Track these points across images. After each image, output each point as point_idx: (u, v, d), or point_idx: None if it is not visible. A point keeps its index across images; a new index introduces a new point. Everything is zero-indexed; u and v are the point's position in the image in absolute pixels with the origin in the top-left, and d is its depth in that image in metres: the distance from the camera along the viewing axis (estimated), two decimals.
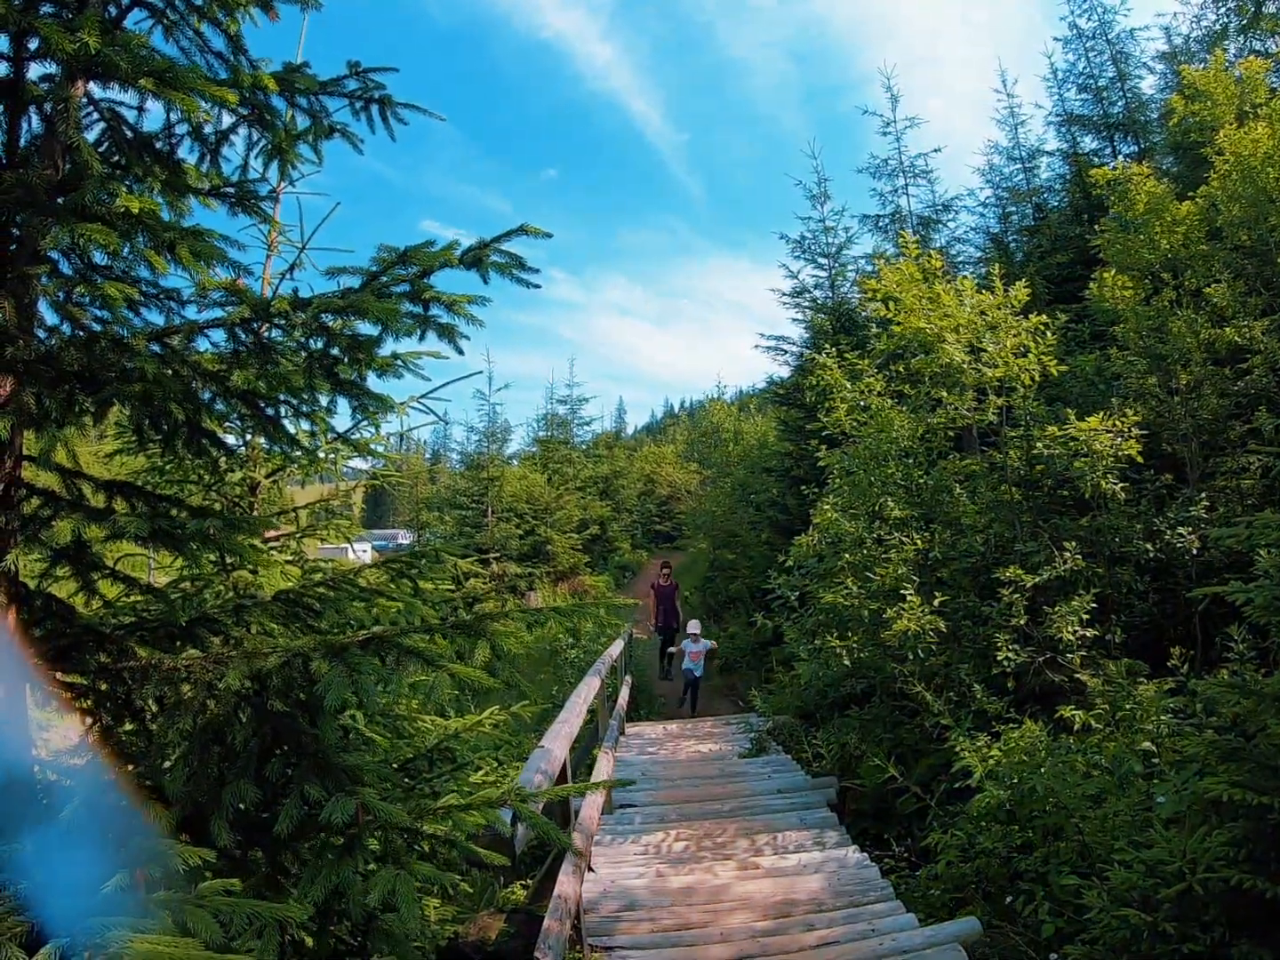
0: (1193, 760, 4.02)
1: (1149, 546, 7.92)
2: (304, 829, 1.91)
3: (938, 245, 19.46)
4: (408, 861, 1.83)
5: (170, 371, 2.06)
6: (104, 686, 2.05)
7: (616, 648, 12.46)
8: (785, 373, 21.98)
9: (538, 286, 2.46)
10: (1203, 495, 8.47)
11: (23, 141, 2.05)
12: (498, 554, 25.74)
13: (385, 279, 2.16)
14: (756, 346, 21.17)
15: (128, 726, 2.18)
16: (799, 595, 10.63)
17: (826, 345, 12.12)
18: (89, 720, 2.14)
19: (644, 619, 19.11)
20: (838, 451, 10.21)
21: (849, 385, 10.21)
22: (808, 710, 10.52)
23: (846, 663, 8.42)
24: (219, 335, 2.29)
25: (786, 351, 21.06)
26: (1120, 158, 18.67)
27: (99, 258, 2.10)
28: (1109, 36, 19.27)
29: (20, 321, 1.99)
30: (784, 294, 20.37)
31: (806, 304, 20.21)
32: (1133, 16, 39.88)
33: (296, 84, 2.46)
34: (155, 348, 2.13)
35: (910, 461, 9.39)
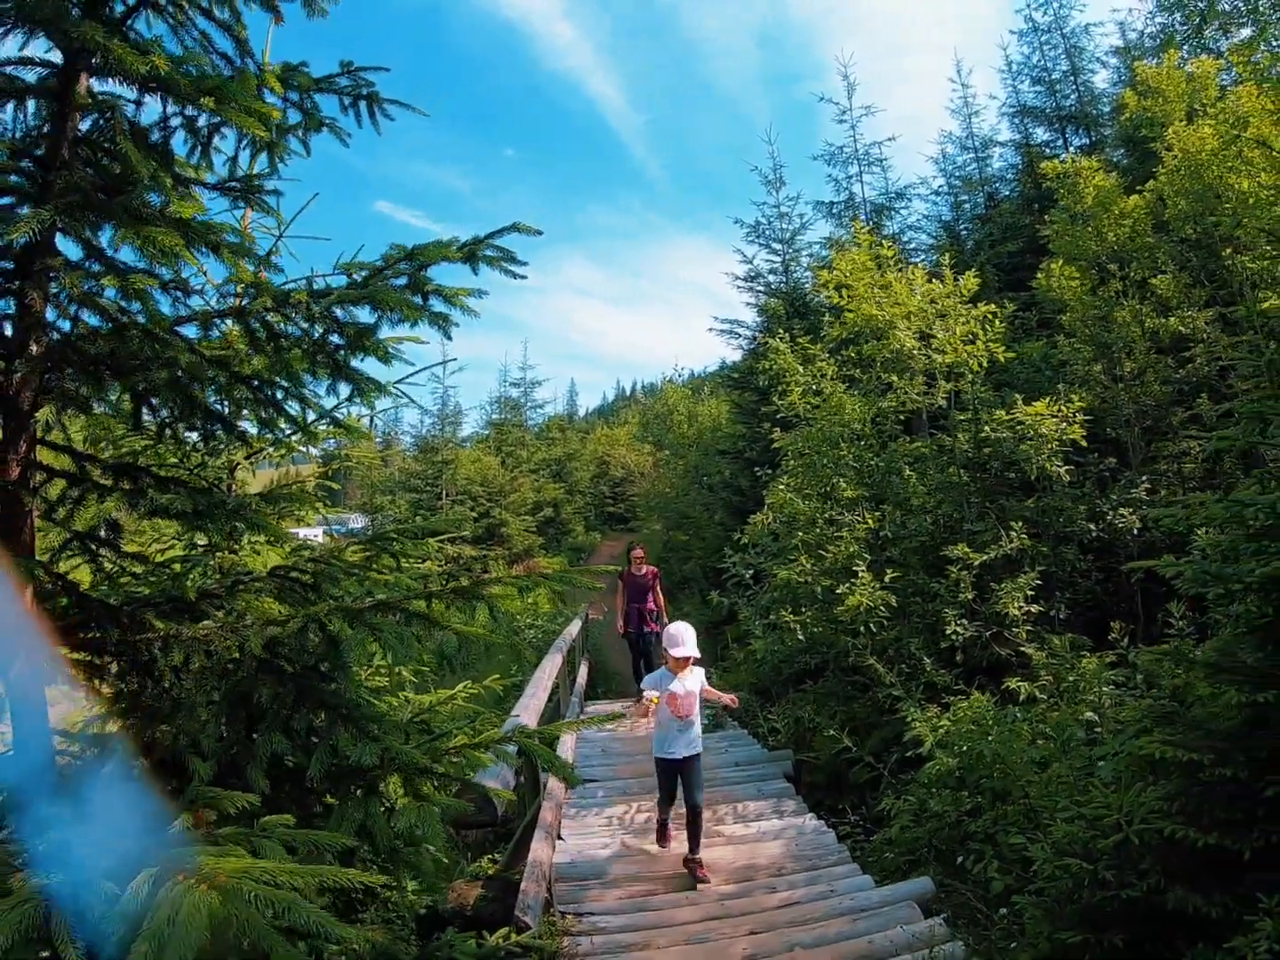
0: (1131, 725, 4.30)
1: (1092, 526, 8.27)
2: (331, 775, 2.06)
3: (890, 232, 19.81)
4: (428, 795, 2.01)
5: (198, 359, 2.18)
6: (125, 657, 2.16)
7: (574, 627, 12.63)
8: (739, 356, 22.29)
9: (524, 278, 2.59)
10: (1144, 478, 8.84)
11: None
12: (452, 536, 25.71)
13: (389, 272, 2.29)
14: (711, 329, 21.49)
15: (142, 692, 2.32)
16: (753, 573, 10.91)
17: (780, 330, 12.35)
18: (111, 689, 2.26)
19: (593, 605, 18.08)
20: (792, 434, 10.45)
21: (802, 369, 10.45)
22: (763, 687, 10.74)
23: (800, 637, 8.70)
24: (223, 323, 2.41)
25: (740, 335, 21.37)
26: (1071, 150, 19.12)
27: (127, 256, 2.19)
28: (1064, 31, 19.74)
29: (41, 312, 2.09)
30: (738, 278, 20.66)
31: (760, 288, 20.52)
32: (1088, 12, 40.42)
33: (293, 82, 2.57)
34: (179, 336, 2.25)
35: (862, 444, 9.68)
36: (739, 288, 20.76)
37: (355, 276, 2.32)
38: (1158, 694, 4.52)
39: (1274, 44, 8.00)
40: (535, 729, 2.23)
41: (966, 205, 21.36)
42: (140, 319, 2.21)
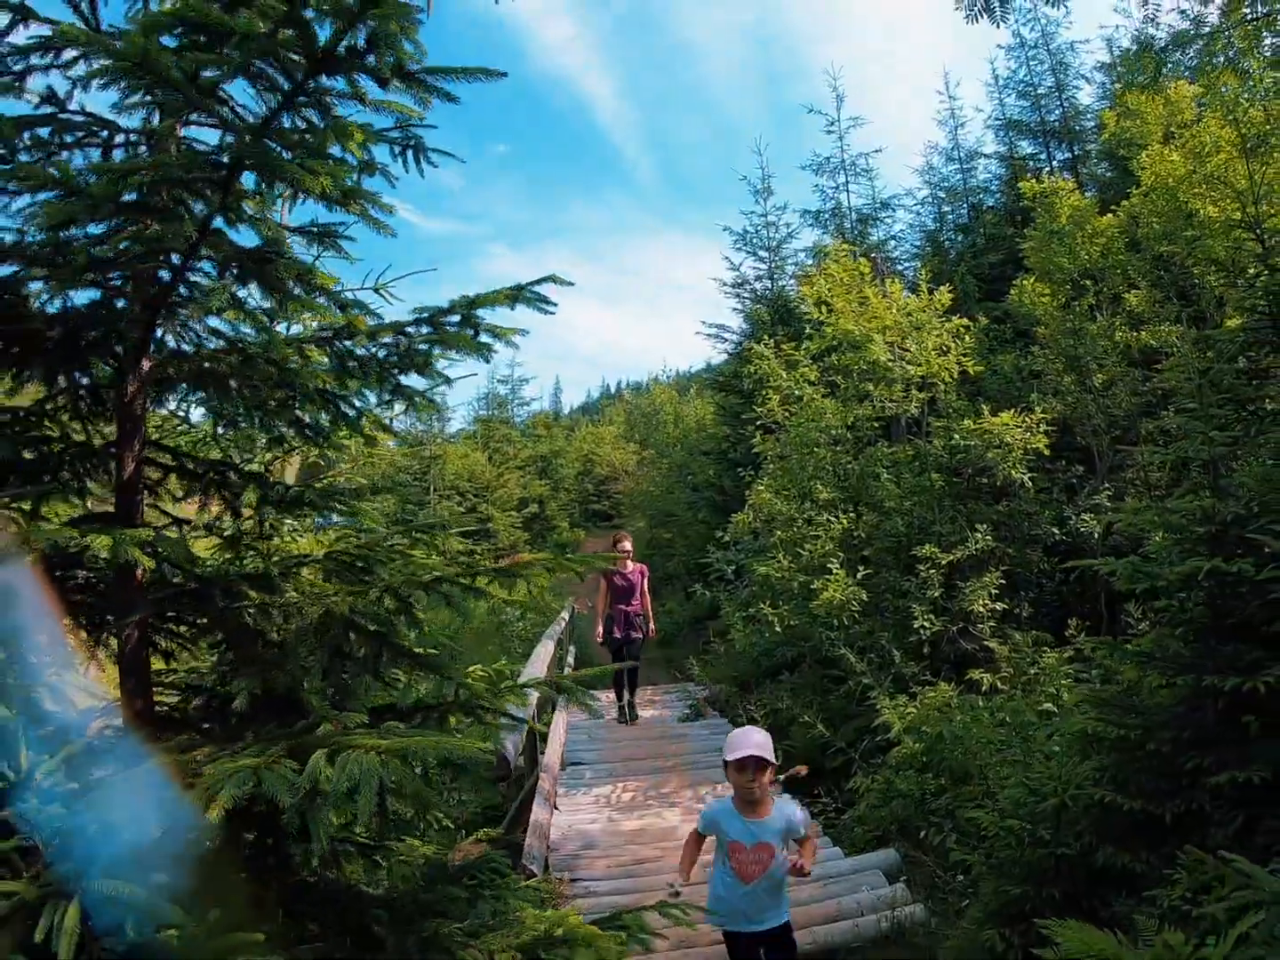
0: (1076, 708, 4.76)
1: (1055, 530, 8.75)
2: (408, 711, 2.51)
3: (875, 240, 20.29)
4: (490, 721, 2.51)
5: (303, 377, 2.60)
6: (228, 621, 2.59)
7: (565, 615, 13.07)
8: (725, 359, 22.71)
9: (552, 313, 3.00)
10: (1107, 485, 9.32)
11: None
12: (443, 530, 26.05)
13: (452, 315, 2.70)
14: (698, 333, 22.01)
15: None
16: (735, 569, 11.38)
17: (765, 336, 12.79)
18: (217, 648, 2.72)
19: (579, 599, 17.44)
20: (772, 438, 10.88)
21: (784, 375, 10.92)
22: (742, 679, 11.12)
23: (779, 629, 9.19)
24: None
25: (726, 340, 21.81)
26: (1055, 162, 19.64)
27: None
28: (1050, 47, 20.13)
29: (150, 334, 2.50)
30: (725, 284, 21.11)
31: (747, 295, 20.97)
32: (1075, 29, 40.93)
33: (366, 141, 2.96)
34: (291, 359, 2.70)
35: (839, 448, 10.13)
36: (726, 293, 21.24)
37: (422, 316, 2.73)
38: (1102, 681, 4.98)
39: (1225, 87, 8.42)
40: (559, 676, 2.64)
41: (950, 216, 21.87)
42: (250, 341, 2.65)
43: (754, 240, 20.68)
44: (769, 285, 20.67)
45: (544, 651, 8.59)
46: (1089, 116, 19.87)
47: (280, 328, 2.89)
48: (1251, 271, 7.37)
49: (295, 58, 1.99)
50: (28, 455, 2.60)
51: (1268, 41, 6.32)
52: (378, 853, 2.59)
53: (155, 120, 2.97)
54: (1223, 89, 8.74)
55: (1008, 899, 3.86)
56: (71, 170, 1.95)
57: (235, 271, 2.47)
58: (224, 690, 2.63)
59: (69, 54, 2.67)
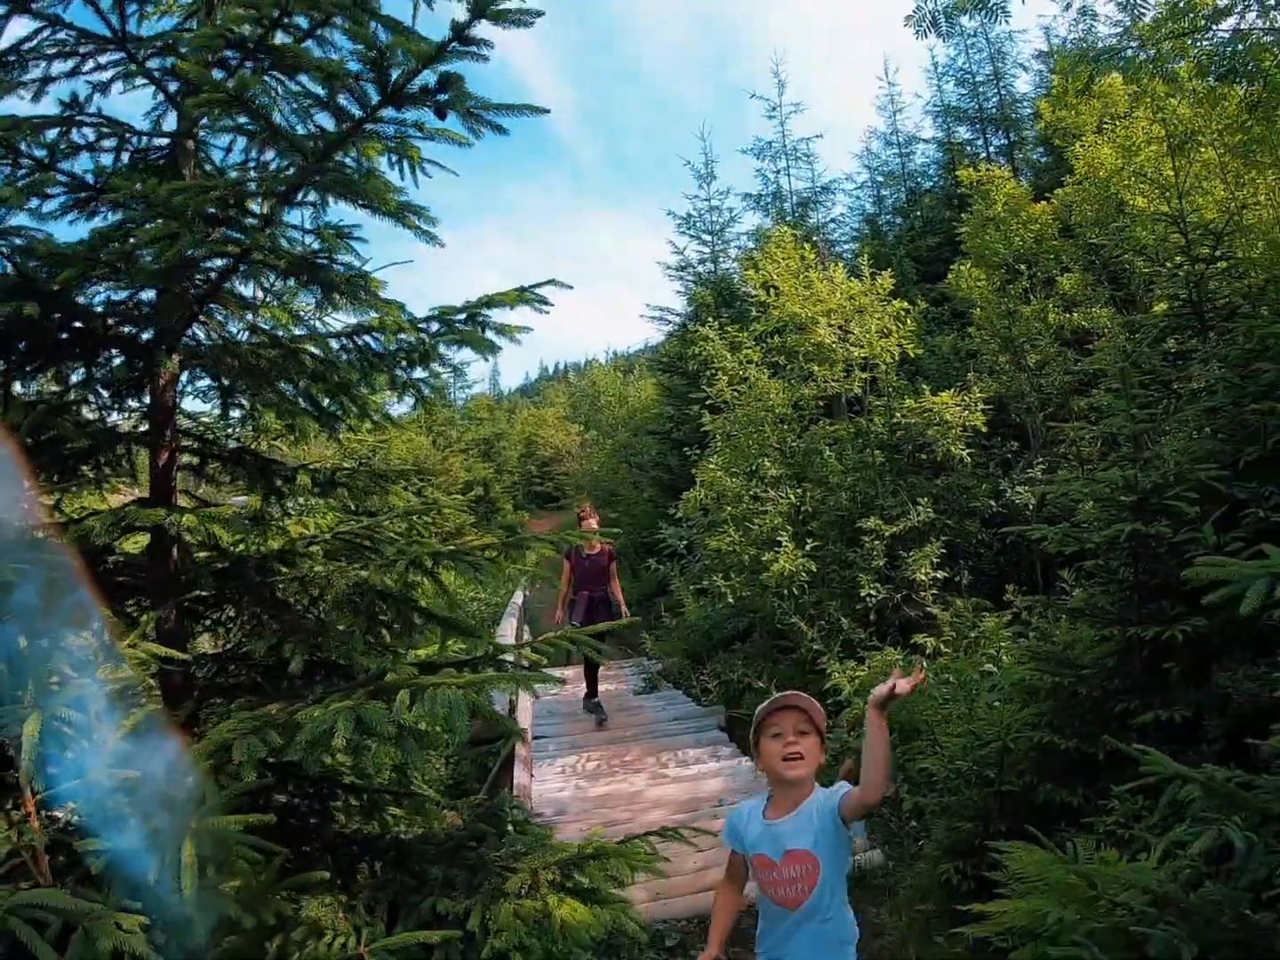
0: (1016, 664, 5.18)
1: (992, 503, 9.24)
2: (436, 666, 2.76)
3: (815, 223, 20.71)
4: (503, 665, 2.78)
5: (339, 370, 2.85)
6: (261, 594, 2.84)
7: (518, 598, 13.30)
8: (668, 341, 22.95)
9: (548, 313, 3.24)
10: (1041, 460, 9.83)
11: None
12: (438, 513, 25.97)
13: (462, 313, 2.95)
14: (642, 316, 22.19)
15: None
16: (687, 544, 11.75)
17: (709, 319, 13.07)
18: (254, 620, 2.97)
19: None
20: (720, 417, 11.21)
21: (729, 356, 11.24)
22: (695, 652, 11.42)
23: (730, 600, 9.60)
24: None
25: (670, 322, 22.05)
26: (991, 149, 20.19)
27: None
28: (989, 36, 20.53)
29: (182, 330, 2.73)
30: (669, 268, 21.32)
31: (690, 278, 21.17)
32: (1014, 20, 41.42)
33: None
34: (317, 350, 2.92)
35: (785, 427, 10.50)
36: (670, 276, 21.46)
37: (433, 315, 2.98)
38: (1039, 641, 5.40)
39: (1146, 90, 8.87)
40: (557, 632, 2.91)
41: (889, 199, 22.38)
42: (280, 335, 2.87)
43: (697, 224, 20.95)
44: (712, 268, 20.96)
45: (509, 627, 8.87)
46: (1025, 104, 20.41)
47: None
48: (1175, 261, 7.84)
49: (368, 90, 2.24)
50: (72, 444, 2.79)
51: (1195, 49, 6.73)
52: (406, 799, 2.87)
53: (167, 124, 3.18)
54: (1150, 94, 9.18)
55: (959, 835, 4.25)
56: (160, 188, 2.14)
57: (294, 276, 2.71)
58: (264, 660, 2.87)
59: (92, 62, 2.88)
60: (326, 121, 2.37)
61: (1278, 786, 2.24)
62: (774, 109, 20.91)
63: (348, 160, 2.43)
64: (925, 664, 7.17)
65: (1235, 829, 2.14)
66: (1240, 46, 6.35)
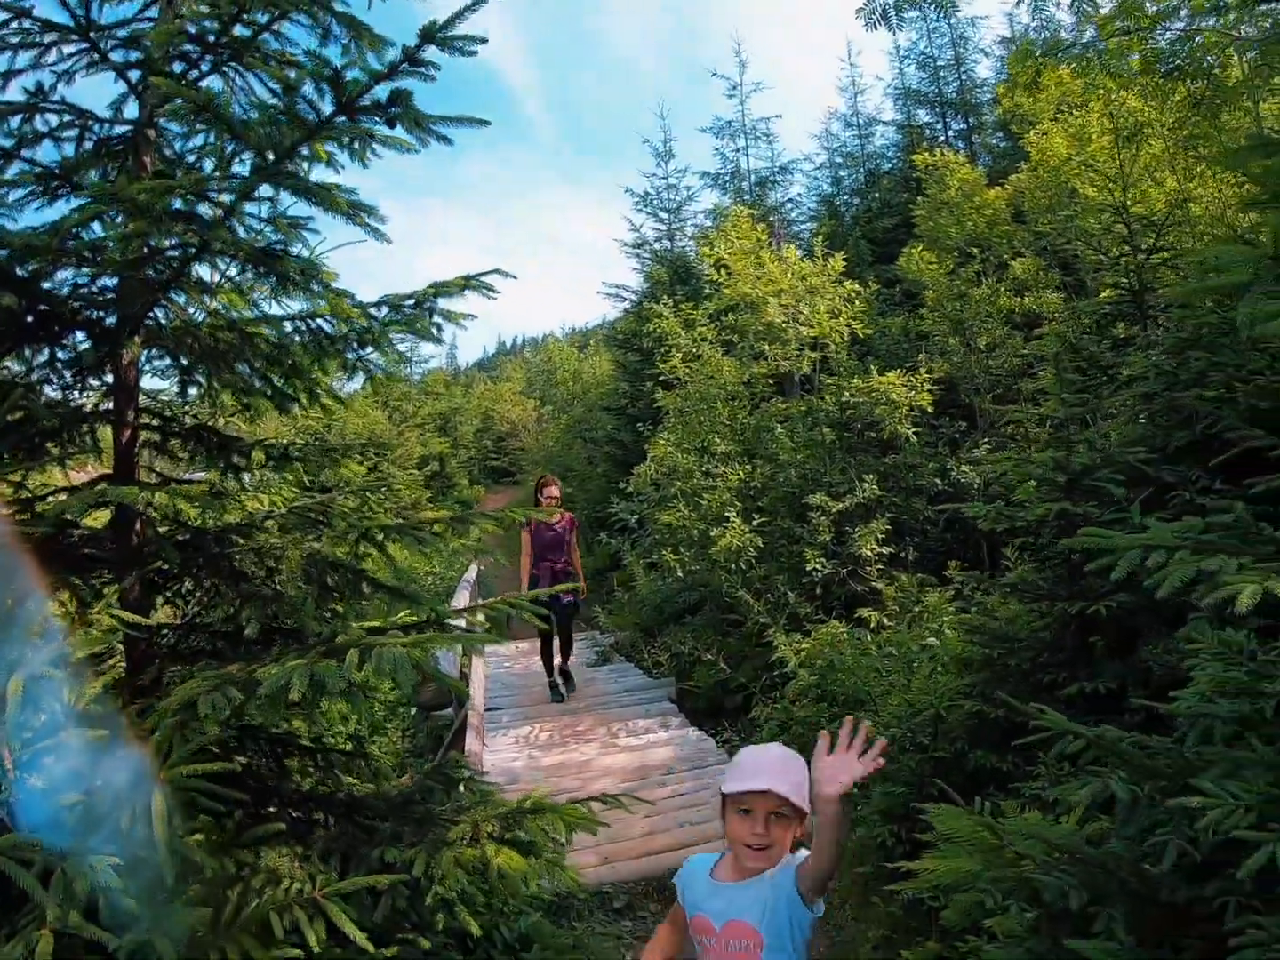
0: (957, 638, 5.38)
1: (939, 481, 9.48)
2: (396, 628, 2.86)
3: (773, 202, 20.86)
4: (447, 629, 2.89)
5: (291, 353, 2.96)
6: (221, 566, 2.92)
7: (472, 572, 13.36)
8: (624, 317, 23.06)
9: (495, 299, 3.33)
10: (987, 440, 10.08)
11: None
12: (388, 490, 25.82)
13: (410, 301, 3.06)
14: (599, 292, 22.27)
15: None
16: (638, 519, 11.90)
17: (664, 296, 13.19)
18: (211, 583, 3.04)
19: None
20: (673, 394, 11.34)
21: (683, 333, 11.39)
22: (646, 626, 11.59)
23: (680, 575, 9.80)
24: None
25: (626, 299, 22.19)
26: (950, 132, 20.43)
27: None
28: (951, 20, 20.73)
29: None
30: (626, 245, 21.44)
31: (647, 255, 21.33)
32: (976, 5, 41.72)
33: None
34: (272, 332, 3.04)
35: (736, 404, 10.68)
36: (626, 253, 21.61)
37: (383, 301, 3.08)
38: (980, 613, 5.60)
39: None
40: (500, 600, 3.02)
41: (847, 180, 22.57)
42: (235, 318, 2.96)
43: (654, 202, 21.11)
44: (669, 246, 21.12)
45: (462, 600, 8.96)
46: (986, 89, 20.67)
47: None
48: (1118, 251, 8.08)
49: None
50: (43, 423, 2.85)
51: (1142, 47, 6.92)
52: (359, 759, 2.98)
53: (128, 111, 3.22)
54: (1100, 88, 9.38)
55: (894, 800, 4.44)
56: (130, 187, 2.24)
57: (252, 265, 2.80)
58: (224, 627, 2.97)
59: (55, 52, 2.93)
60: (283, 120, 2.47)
61: (1166, 747, 2.42)
62: (734, 88, 21.07)
63: (304, 152, 2.52)
64: (870, 637, 7.38)
65: (1119, 782, 2.32)
66: (1187, 45, 6.56)
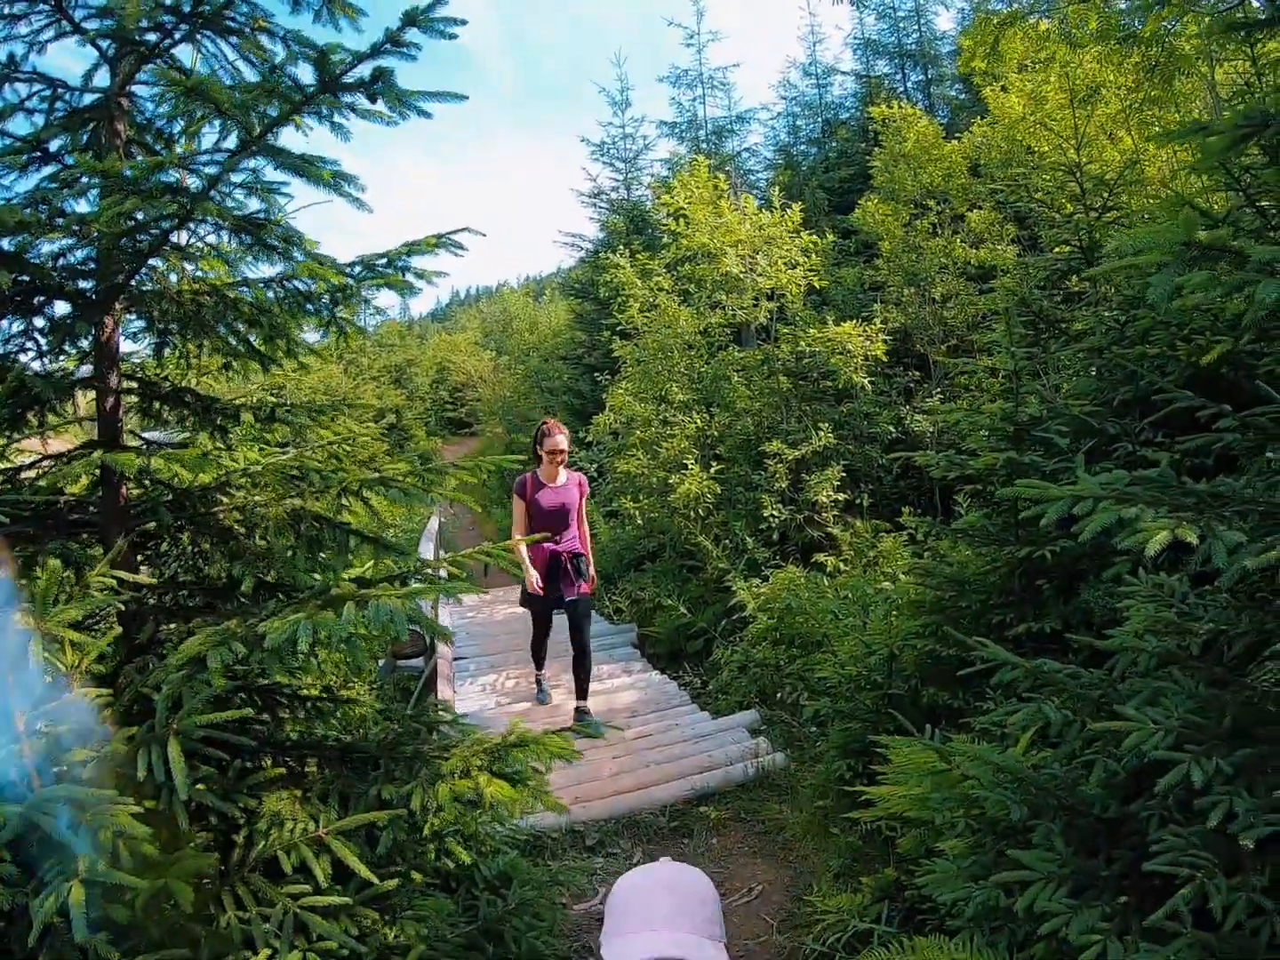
0: (910, 582, 5.62)
1: (892, 429, 9.72)
2: (372, 581, 2.98)
3: (729, 151, 20.81)
4: (429, 579, 3.03)
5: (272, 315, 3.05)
6: (207, 523, 3.03)
7: (434, 524, 13.43)
8: (581, 267, 22.99)
9: (462, 256, 3.42)
10: (940, 390, 10.32)
11: None
12: (353, 444, 25.60)
13: (384, 259, 3.14)
14: (555, 241, 22.29)
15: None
16: (597, 468, 12.05)
17: (620, 245, 13.22)
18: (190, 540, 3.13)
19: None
20: (630, 343, 11.43)
21: (640, 283, 11.45)
22: (607, 573, 11.82)
23: (640, 522, 9.99)
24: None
25: (583, 249, 22.09)
26: (909, 84, 20.45)
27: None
28: None
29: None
30: (582, 194, 21.33)
31: (604, 205, 21.22)
32: None
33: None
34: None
35: (693, 353, 10.78)
36: (583, 203, 21.49)
37: (358, 261, 3.16)
38: (933, 558, 5.85)
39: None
40: (469, 552, 3.15)
41: (805, 130, 22.53)
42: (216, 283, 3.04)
43: (611, 151, 20.98)
44: (625, 195, 21.01)
45: (426, 550, 9.09)
46: (946, 41, 20.71)
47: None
48: (1069, 209, 8.24)
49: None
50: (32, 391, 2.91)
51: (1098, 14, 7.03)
52: (344, 705, 3.13)
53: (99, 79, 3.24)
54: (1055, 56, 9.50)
55: (851, 735, 4.68)
56: (120, 166, 2.32)
57: (236, 234, 2.89)
58: (216, 582, 3.08)
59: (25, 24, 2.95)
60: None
61: (1100, 679, 2.65)
62: (692, 36, 20.84)
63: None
64: (826, 581, 7.64)
65: (1052, 707, 2.56)
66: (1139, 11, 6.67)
